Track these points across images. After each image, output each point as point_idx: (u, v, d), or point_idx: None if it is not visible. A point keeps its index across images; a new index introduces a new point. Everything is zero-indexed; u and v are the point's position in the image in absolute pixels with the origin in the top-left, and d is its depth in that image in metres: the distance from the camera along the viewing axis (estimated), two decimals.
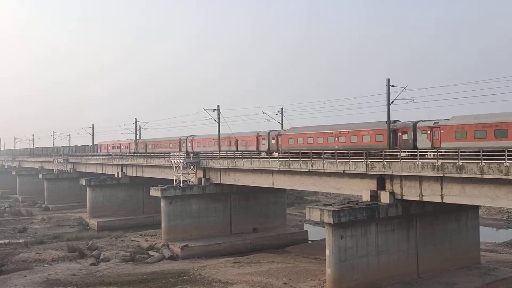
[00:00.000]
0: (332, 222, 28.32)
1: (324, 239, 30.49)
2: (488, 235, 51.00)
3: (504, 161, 24.37)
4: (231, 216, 50.63)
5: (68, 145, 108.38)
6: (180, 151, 61.43)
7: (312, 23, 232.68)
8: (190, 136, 63.43)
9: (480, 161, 25.54)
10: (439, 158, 27.82)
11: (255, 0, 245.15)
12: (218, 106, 52.85)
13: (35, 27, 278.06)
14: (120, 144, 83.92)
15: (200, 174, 50.80)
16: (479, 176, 25.56)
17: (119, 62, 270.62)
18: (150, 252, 44.29)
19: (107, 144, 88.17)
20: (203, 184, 49.80)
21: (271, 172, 41.37)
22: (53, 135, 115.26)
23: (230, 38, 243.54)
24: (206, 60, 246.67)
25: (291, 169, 38.34)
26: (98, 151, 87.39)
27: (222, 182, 48.89)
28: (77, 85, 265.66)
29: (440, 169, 27.37)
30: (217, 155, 49.31)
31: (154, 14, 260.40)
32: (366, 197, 32.21)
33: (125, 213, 66.07)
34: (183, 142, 64.11)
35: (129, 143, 79.37)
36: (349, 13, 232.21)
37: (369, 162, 31.74)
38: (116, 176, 69.36)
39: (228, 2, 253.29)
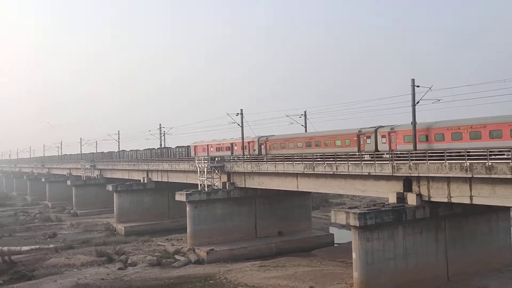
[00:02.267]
0: (358, 225, 28.01)
1: (350, 242, 30.17)
2: None
3: None
4: (256, 220, 50.60)
5: (95, 152, 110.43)
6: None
7: (328, 27, 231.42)
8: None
9: (510, 161, 24.91)
10: (467, 158, 27.22)
11: (270, 7, 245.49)
12: (242, 110, 52.98)
13: (65, 38, 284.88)
14: (232, 144, 58.55)
15: (224, 178, 51.00)
16: (509, 176, 24.90)
17: (142, 69, 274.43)
18: (176, 257, 44.63)
19: (207, 145, 63.43)
20: (227, 188, 49.96)
21: (296, 175, 41.21)
22: (81, 142, 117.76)
23: (247, 46, 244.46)
24: (225, 67, 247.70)
25: (315, 172, 38.12)
26: (193, 154, 64.90)
27: (246, 186, 48.95)
28: (105, 93, 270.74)
29: (468, 169, 26.78)
30: (241, 159, 49.41)
31: (175, 23, 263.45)
32: (392, 199, 31.75)
33: (151, 218, 66.70)
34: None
35: (249, 142, 54.83)
36: (361, 15, 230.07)
37: (395, 164, 31.32)
38: (141, 181, 70.22)
39: (243, 11, 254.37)
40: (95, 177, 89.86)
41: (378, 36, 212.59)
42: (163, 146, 77.58)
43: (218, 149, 60.26)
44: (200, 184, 50.46)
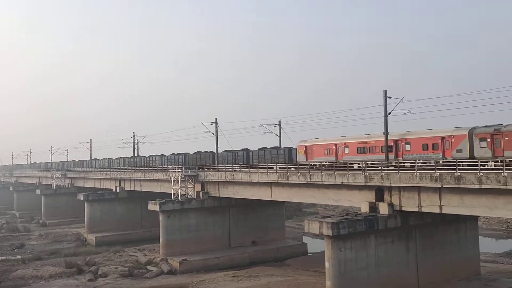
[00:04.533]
0: (331, 234, 28.22)
1: (323, 251, 30.34)
2: (487, 245, 50.81)
3: (502, 171, 24.45)
4: (229, 229, 50.39)
5: (66, 160, 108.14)
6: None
7: (311, 35, 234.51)
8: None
9: (478, 171, 25.60)
10: (437, 169, 27.86)
11: (250, 14, 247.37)
12: (216, 119, 53.01)
13: (30, 39, 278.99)
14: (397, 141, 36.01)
15: (198, 187, 50.67)
16: (477, 186, 25.57)
17: (115, 75, 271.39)
18: (149, 267, 43.96)
19: (336, 144, 39.79)
20: (201, 197, 49.64)
21: (270, 184, 41.30)
22: (51, 150, 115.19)
23: (224, 54, 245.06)
24: (202, 74, 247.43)
25: (289, 182, 38.29)
26: (301, 158, 42.94)
27: (220, 195, 48.75)
28: (73, 99, 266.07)
29: (438, 179, 27.40)
30: (216, 168, 49.27)
31: (152, 24, 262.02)
32: (364, 208, 32.14)
33: (123, 228, 65.56)
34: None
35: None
36: (345, 22, 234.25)
37: (367, 174, 31.75)
38: (114, 190, 69.09)
39: (224, 18, 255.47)
40: (65, 186, 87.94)
41: (361, 46, 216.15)
42: (136, 154, 76.65)
43: (361, 151, 37.60)
44: (174, 194, 50.00)
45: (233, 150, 54.19)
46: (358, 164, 35.21)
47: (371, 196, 32.51)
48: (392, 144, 34.85)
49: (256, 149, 51.25)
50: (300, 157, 42.93)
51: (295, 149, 45.70)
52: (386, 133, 34.65)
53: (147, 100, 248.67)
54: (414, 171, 29.01)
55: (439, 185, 27.52)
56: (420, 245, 32.40)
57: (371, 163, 33.72)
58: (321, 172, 35.18)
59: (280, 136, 54.19)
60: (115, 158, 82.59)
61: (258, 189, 42.98)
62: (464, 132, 30.55)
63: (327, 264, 29.06)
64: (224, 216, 50.26)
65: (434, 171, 27.74)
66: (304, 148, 42.69)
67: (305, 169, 37.10)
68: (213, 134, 53.07)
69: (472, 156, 29.49)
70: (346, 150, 38.48)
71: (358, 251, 29.47)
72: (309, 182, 36.31)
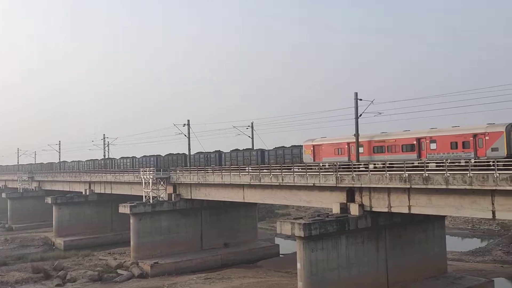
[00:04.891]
0: (303, 235, 28.42)
1: (295, 252, 30.53)
2: (454, 244, 52.20)
3: (468, 172, 25.17)
4: (202, 232, 50.14)
5: (34, 163, 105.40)
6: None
7: (285, 36, 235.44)
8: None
9: (445, 172, 26.27)
10: (406, 170, 28.46)
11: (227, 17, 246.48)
12: (188, 121, 52.80)
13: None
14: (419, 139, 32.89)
15: (170, 189, 50.23)
16: (444, 186, 26.24)
17: (86, 77, 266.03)
18: (119, 271, 43.27)
19: (348, 144, 37.00)
20: (173, 200, 49.24)
21: (242, 186, 41.31)
22: (18, 152, 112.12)
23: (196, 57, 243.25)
24: (172, 78, 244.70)
25: (261, 183, 38.39)
26: (308, 159, 39.74)
27: (192, 198, 48.46)
28: (43, 101, 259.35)
29: (407, 180, 27.98)
30: (188, 170, 48.95)
31: (125, 31, 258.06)
32: (336, 209, 32.51)
33: (93, 231, 64.38)
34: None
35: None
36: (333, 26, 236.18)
37: (338, 175, 32.15)
38: (83, 193, 67.77)
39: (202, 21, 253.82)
40: (33, 189, 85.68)
41: (334, 48, 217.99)
42: (107, 157, 75.39)
43: (379, 150, 35.03)
44: (145, 196, 49.42)
45: (206, 152, 53.98)
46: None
47: (342, 197, 32.90)
48: (415, 142, 32.31)
49: (229, 151, 51.21)
50: (307, 158, 39.80)
51: (267, 151, 45.92)
52: (357, 135, 35.15)
53: (120, 103, 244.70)
54: (384, 172, 29.55)
55: (408, 186, 28.10)
56: (390, 244, 32.98)
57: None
58: (293, 174, 35.45)
59: (252, 138, 54.31)
60: (85, 161, 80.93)
61: (231, 191, 42.92)
62: (501, 129, 27.92)
63: (298, 265, 29.25)
64: (196, 218, 49.99)
65: (403, 172, 28.34)
66: (312, 148, 39.40)
67: (277, 170, 37.25)
68: (185, 136, 52.78)
69: (510, 155, 27.01)
70: (361, 150, 35.62)
71: (329, 252, 29.78)
72: (281, 184, 36.50)
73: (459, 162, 28.37)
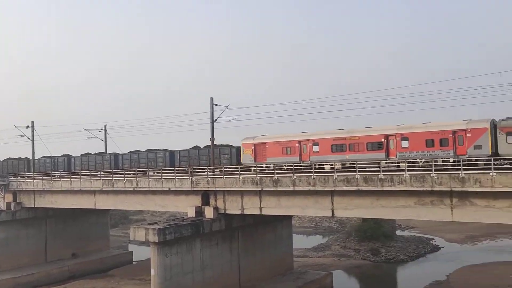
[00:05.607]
0: (157, 241, 28.03)
1: (150, 258, 29.99)
2: (300, 241, 56.42)
3: (312, 175, 27.53)
4: (46, 242, 46.17)
5: None
6: None
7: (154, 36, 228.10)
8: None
9: (292, 175, 28.34)
10: (258, 174, 30.01)
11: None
12: (33, 122, 48.63)
13: None
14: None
15: (9, 197, 45.38)
16: (291, 188, 28.31)
17: None
18: None
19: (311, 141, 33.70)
20: (13, 209, 44.54)
21: (93, 192, 39.24)
22: None
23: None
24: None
25: (114, 189, 36.95)
26: (248, 160, 35.88)
27: (36, 206, 44.45)
28: None
29: (259, 183, 29.51)
30: (31, 176, 44.80)
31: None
32: (191, 213, 32.75)
33: None
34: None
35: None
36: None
37: (194, 179, 32.50)
38: None
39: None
40: None
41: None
42: None
43: (338, 149, 32.08)
44: None
45: (53, 156, 49.96)
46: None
47: (197, 200, 33.29)
48: (383, 140, 29.96)
49: (79, 155, 48.15)
50: (247, 158, 35.71)
51: (122, 155, 44.21)
52: (212, 139, 36.02)
53: None
54: (238, 176, 30.74)
55: (260, 188, 29.68)
56: (242, 245, 34.31)
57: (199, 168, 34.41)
58: (149, 178, 34.86)
59: (105, 142, 51.90)
60: None
61: (81, 197, 40.45)
62: (485, 125, 26.31)
63: (152, 271, 28.74)
64: (40, 228, 45.91)
65: (256, 175, 29.83)
66: (253, 147, 35.26)
67: (131, 174, 36.18)
68: (28, 138, 48.30)
69: (495, 153, 25.53)
70: (316, 149, 32.64)
71: (184, 256, 29.84)
72: (135, 189, 35.59)
73: (436, 162, 26.43)
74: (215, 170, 34.14)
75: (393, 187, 24.89)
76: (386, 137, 29.86)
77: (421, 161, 27.13)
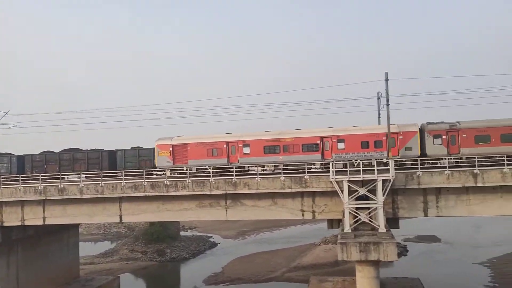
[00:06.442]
0: None
1: None
2: (88, 249, 55.29)
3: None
4: None
5: None
6: None
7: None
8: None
9: (80, 183, 28.35)
10: (42, 183, 29.01)
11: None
12: None
13: None
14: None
15: None
16: (78, 196, 28.33)
17: None
18: None
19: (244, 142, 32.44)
20: None
21: None
22: None
23: None
24: None
25: None
26: (171, 163, 32.59)
27: None
28: None
29: (42, 192, 28.58)
30: None
31: None
32: None
33: None
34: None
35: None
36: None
37: None
38: None
39: None
40: None
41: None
42: None
43: (271, 150, 31.52)
44: None
45: None
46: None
47: None
48: (319, 141, 30.41)
49: None
50: (163, 160, 32.40)
51: None
52: None
53: None
54: (18, 185, 29.11)
55: (44, 198, 28.77)
56: (22, 258, 32.39)
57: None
58: None
59: None
60: None
61: None
62: (414, 129, 28.99)
63: None
64: None
65: (39, 185, 28.76)
66: (171, 148, 32.28)
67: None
68: None
69: (424, 154, 28.40)
70: (246, 150, 31.49)
71: None
72: None
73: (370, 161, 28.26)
74: None
75: (178, 192, 27.47)
76: (322, 138, 30.66)
77: (356, 162, 28.08)
